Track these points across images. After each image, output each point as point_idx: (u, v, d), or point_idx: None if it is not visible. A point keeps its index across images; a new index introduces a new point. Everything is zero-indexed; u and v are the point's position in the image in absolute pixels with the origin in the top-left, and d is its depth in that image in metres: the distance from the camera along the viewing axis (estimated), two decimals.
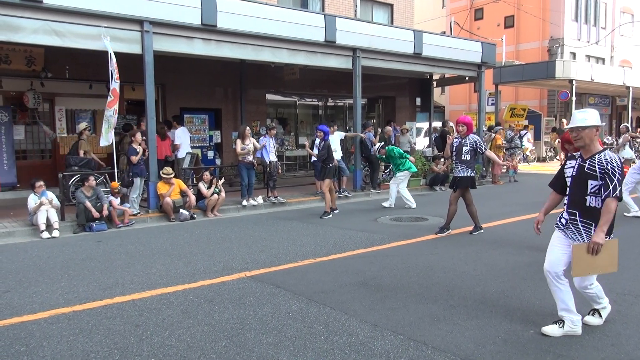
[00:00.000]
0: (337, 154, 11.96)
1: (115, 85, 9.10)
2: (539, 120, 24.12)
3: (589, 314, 4.13)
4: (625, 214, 9.07)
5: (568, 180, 3.97)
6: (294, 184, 13.91)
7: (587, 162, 3.81)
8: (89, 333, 4.07)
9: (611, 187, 3.68)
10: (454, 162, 8.09)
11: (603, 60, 30.07)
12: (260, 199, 10.96)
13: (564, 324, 3.91)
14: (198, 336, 3.98)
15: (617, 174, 3.69)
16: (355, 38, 12.62)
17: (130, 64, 9.73)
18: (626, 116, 25.55)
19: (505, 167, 16.34)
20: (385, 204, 10.67)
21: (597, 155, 3.80)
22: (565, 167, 4.03)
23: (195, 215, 9.71)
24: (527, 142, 21.42)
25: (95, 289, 5.26)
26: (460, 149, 7.86)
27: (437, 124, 20.78)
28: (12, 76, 11.48)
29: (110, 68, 9.13)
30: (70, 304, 4.77)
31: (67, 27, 8.76)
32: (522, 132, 20.30)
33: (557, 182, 4.17)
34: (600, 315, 4.14)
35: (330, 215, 9.66)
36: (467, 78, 17.40)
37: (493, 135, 16.03)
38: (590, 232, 3.79)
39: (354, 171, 13.19)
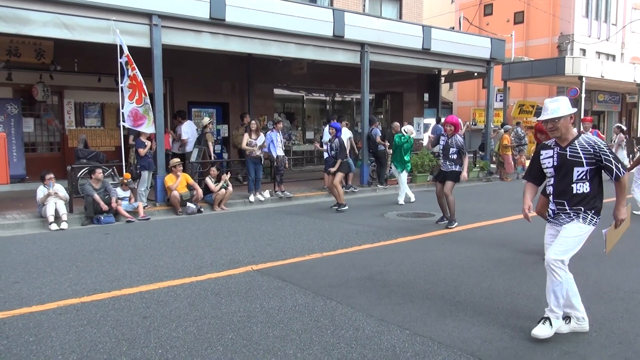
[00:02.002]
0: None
1: (131, 74, 9.15)
2: None
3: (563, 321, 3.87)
4: (635, 211, 9.01)
5: (549, 171, 3.88)
6: (301, 178, 13.91)
7: (568, 149, 3.74)
8: (97, 324, 4.10)
9: (614, 169, 3.65)
10: (440, 158, 8.47)
11: (613, 57, 29.78)
12: (267, 194, 10.98)
13: (570, 321, 3.89)
14: (205, 328, 4.00)
15: (609, 153, 3.66)
16: (364, 33, 12.58)
17: (138, 57, 9.74)
18: (636, 114, 25.32)
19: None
20: (401, 201, 10.72)
21: (576, 142, 3.75)
22: (542, 157, 3.92)
23: (202, 209, 9.74)
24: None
25: (103, 280, 5.29)
26: (448, 149, 8.19)
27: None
28: (22, 69, 11.55)
29: (119, 61, 9.16)
30: (79, 295, 4.80)
31: (77, 20, 8.80)
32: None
33: (532, 173, 4.08)
34: (569, 322, 3.86)
35: (346, 207, 9.72)
36: (475, 74, 17.31)
37: (502, 132, 15.95)
38: (580, 216, 3.72)
39: (361, 167, 13.17)
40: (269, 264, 5.90)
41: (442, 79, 20.02)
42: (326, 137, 12.11)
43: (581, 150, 3.71)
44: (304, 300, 4.66)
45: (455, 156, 8.15)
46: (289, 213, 9.60)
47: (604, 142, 3.75)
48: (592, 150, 3.68)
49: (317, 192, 11.89)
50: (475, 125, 17.47)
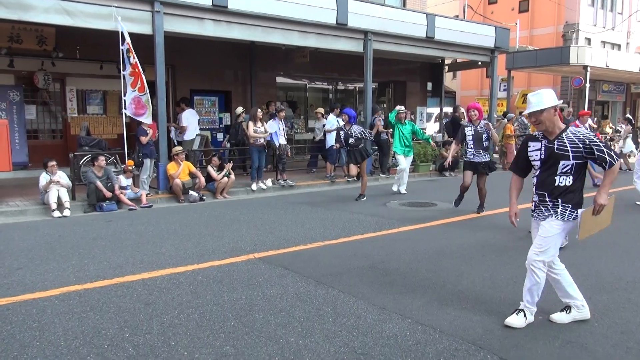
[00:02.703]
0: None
1: (132, 62, 9.10)
2: None
3: (561, 311, 3.92)
4: (637, 202, 8.99)
5: (536, 164, 3.84)
6: (303, 167, 13.90)
7: (556, 143, 3.71)
8: (99, 310, 4.12)
9: (608, 157, 3.59)
10: (471, 149, 8.07)
11: (619, 46, 29.53)
12: (269, 182, 10.98)
13: (570, 310, 3.89)
14: (207, 316, 4.01)
15: (599, 143, 3.62)
16: (367, 21, 12.48)
17: (140, 44, 9.68)
18: None
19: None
20: (403, 190, 10.60)
21: (564, 135, 3.70)
22: (529, 149, 3.88)
23: (205, 197, 9.75)
24: None
25: (106, 267, 5.31)
26: (480, 137, 7.97)
27: (448, 110, 20.61)
28: (24, 55, 11.50)
29: (121, 48, 9.11)
30: (81, 282, 4.82)
31: (78, 6, 8.73)
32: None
33: (518, 165, 4.03)
34: (570, 312, 3.89)
35: (364, 198, 9.67)
36: (479, 63, 17.19)
37: (505, 122, 15.88)
38: (558, 209, 3.71)
39: None
40: (271, 252, 5.91)
41: (446, 68, 19.90)
42: (329, 125, 12.08)
43: (569, 143, 3.66)
44: (306, 288, 4.67)
45: (487, 143, 8.01)
46: (291, 202, 9.60)
47: (592, 134, 3.72)
48: (580, 143, 3.64)
49: (320, 180, 11.88)
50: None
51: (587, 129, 7.41)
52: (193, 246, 6.20)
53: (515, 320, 3.79)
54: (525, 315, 3.81)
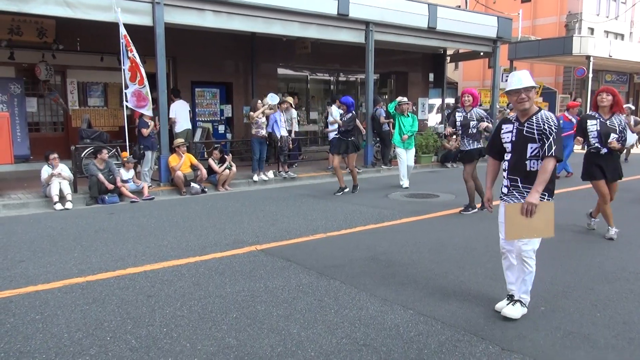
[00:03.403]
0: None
1: (130, 56, 9.06)
2: (554, 97, 23.69)
3: (513, 304, 3.80)
4: None
5: (506, 146, 3.81)
6: (305, 158, 13.88)
7: (525, 125, 3.68)
8: (102, 303, 4.13)
9: (546, 145, 3.55)
10: (460, 135, 7.87)
11: (622, 36, 29.35)
12: (271, 174, 10.97)
13: (519, 303, 3.81)
14: (209, 307, 4.02)
15: (553, 133, 3.56)
16: (368, 11, 12.40)
17: (140, 36, 9.65)
18: None
19: None
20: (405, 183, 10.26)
21: (534, 117, 3.67)
22: (502, 131, 3.86)
23: (206, 189, 9.75)
24: None
25: (108, 260, 5.32)
26: (468, 124, 7.65)
27: (450, 100, 20.52)
28: (24, 48, 11.46)
29: (121, 41, 9.08)
30: (84, 274, 4.83)
31: None
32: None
33: (493, 149, 4.01)
34: (519, 305, 3.79)
35: (341, 194, 9.40)
36: (481, 53, 17.09)
37: (507, 112, 15.81)
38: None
39: (365, 147, 13.11)
40: (273, 244, 5.91)
41: (448, 58, 19.79)
42: (332, 117, 12.02)
43: (535, 125, 3.63)
44: (308, 279, 4.68)
45: (475, 130, 7.63)
46: (293, 193, 9.60)
47: (556, 121, 3.62)
48: (541, 123, 3.61)
49: (321, 172, 11.87)
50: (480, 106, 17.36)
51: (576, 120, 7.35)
52: (195, 238, 6.21)
53: (514, 312, 3.76)
54: (522, 305, 3.81)
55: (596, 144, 5.95)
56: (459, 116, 7.79)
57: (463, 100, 7.79)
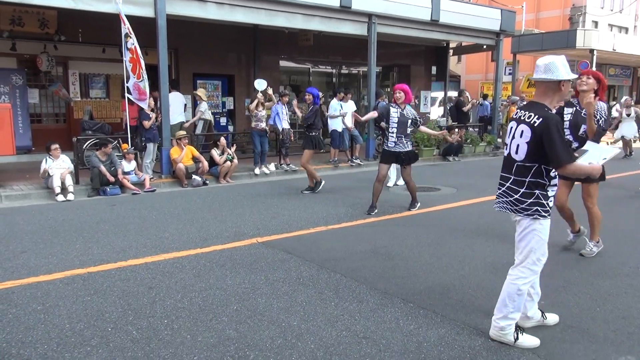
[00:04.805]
0: (349, 122, 11.87)
1: (130, 47, 9.02)
2: None
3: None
4: None
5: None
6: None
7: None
8: (103, 294, 4.15)
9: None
10: (392, 134, 7.05)
11: (626, 29, 29.19)
12: (272, 167, 10.97)
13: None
14: (210, 299, 4.04)
15: None
16: (371, 3, 12.34)
17: (142, 28, 9.62)
18: None
19: None
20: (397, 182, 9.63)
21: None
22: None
23: (208, 182, 9.75)
24: None
25: (110, 251, 5.34)
26: (405, 122, 7.04)
27: (453, 94, 20.47)
28: (26, 39, 11.45)
29: (122, 32, 9.05)
30: (85, 266, 4.85)
31: None
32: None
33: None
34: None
35: (308, 192, 8.77)
36: (484, 47, 17.02)
37: (509, 106, 15.79)
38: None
39: (367, 140, 13.10)
40: (273, 237, 5.92)
41: (451, 51, 19.71)
42: (332, 110, 12.02)
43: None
44: (309, 272, 4.69)
45: (410, 129, 7.17)
46: (294, 186, 9.59)
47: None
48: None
49: (323, 165, 11.86)
50: (485, 99, 17.24)
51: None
52: (196, 230, 6.22)
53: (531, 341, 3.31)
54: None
55: (568, 136, 4.94)
56: (394, 112, 7.05)
57: (395, 96, 7.11)
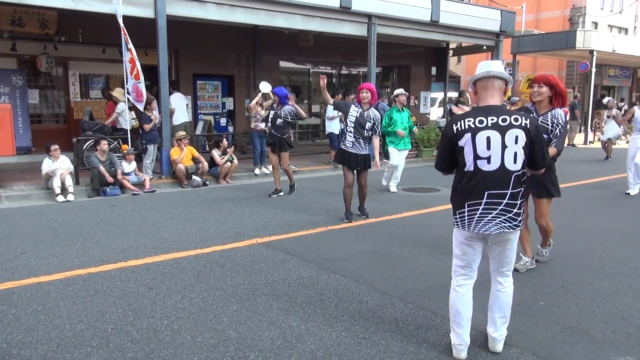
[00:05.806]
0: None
1: (129, 47, 9.03)
2: None
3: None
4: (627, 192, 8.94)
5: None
6: (306, 152, 13.87)
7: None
8: (103, 294, 4.15)
9: None
10: (350, 134, 6.61)
11: (626, 30, 29.19)
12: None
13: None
14: (210, 300, 4.04)
15: None
16: (371, 4, 12.35)
17: (142, 29, 9.63)
18: None
19: None
20: (393, 187, 9.26)
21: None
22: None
23: (208, 182, 9.76)
24: None
25: (110, 252, 5.34)
26: (363, 124, 6.51)
27: (453, 94, 20.47)
28: (26, 39, 11.45)
29: (122, 32, 9.06)
30: (86, 266, 4.85)
31: None
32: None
33: None
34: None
35: (276, 196, 8.54)
36: (484, 47, 17.01)
37: (508, 107, 15.79)
38: None
39: None
40: (273, 237, 5.93)
41: (450, 52, 19.71)
42: (330, 112, 12.00)
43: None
44: (308, 273, 4.69)
45: (370, 133, 6.61)
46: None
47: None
48: None
49: (323, 165, 11.87)
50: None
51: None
52: (196, 231, 6.23)
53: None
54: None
55: None
56: (354, 111, 6.57)
57: (360, 96, 6.63)
